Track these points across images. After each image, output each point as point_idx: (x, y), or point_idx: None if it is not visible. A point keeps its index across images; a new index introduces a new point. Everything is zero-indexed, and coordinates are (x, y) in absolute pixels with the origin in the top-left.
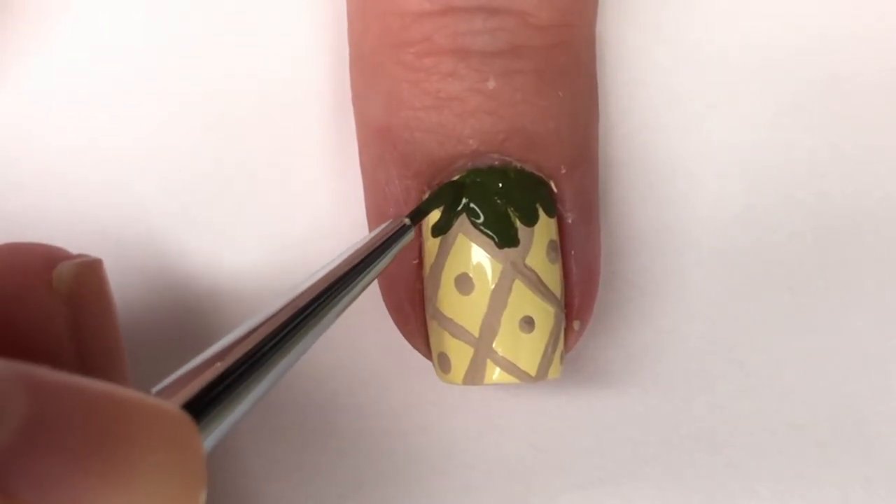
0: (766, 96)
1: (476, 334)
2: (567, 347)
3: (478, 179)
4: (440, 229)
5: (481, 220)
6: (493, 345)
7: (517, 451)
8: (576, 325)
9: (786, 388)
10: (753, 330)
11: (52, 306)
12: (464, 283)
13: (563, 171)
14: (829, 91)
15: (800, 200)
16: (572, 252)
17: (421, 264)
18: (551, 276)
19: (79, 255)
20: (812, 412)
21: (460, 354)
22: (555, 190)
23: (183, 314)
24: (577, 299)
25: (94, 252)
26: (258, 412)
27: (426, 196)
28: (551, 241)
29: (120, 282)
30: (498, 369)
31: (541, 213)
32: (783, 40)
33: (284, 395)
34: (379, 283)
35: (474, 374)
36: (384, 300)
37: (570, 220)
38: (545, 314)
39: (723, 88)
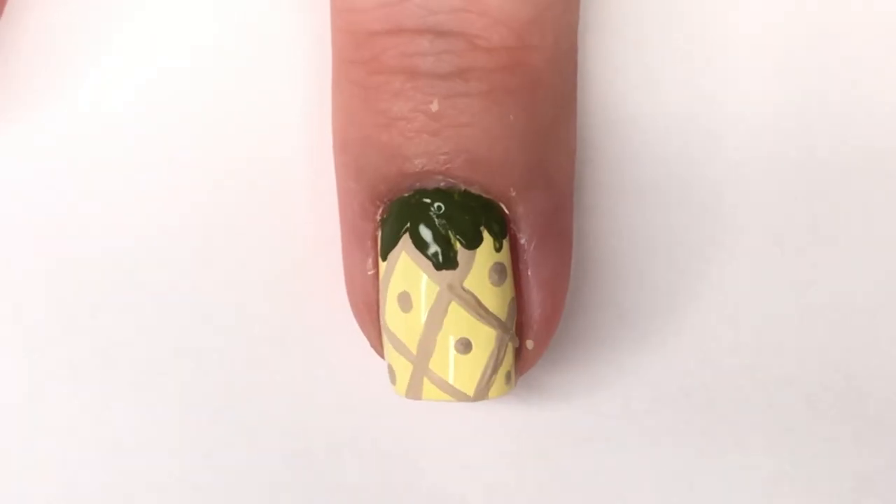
0: (759, 54)
1: (414, 352)
2: (520, 368)
3: (423, 200)
4: (386, 248)
5: (420, 241)
6: (429, 364)
7: (509, 412)
8: (529, 344)
9: (775, 343)
10: (743, 286)
11: None
12: (404, 301)
13: (513, 193)
14: (819, 48)
15: (790, 157)
16: (528, 273)
17: (377, 275)
18: (493, 298)
19: None
20: (801, 367)
21: (402, 369)
22: (506, 212)
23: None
24: (533, 319)
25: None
26: (254, 417)
27: (380, 212)
28: (496, 264)
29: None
30: (435, 388)
31: (486, 235)
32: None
33: (281, 398)
34: (346, 287)
35: (414, 390)
36: (349, 304)
37: (522, 242)
38: (485, 336)
39: (714, 46)
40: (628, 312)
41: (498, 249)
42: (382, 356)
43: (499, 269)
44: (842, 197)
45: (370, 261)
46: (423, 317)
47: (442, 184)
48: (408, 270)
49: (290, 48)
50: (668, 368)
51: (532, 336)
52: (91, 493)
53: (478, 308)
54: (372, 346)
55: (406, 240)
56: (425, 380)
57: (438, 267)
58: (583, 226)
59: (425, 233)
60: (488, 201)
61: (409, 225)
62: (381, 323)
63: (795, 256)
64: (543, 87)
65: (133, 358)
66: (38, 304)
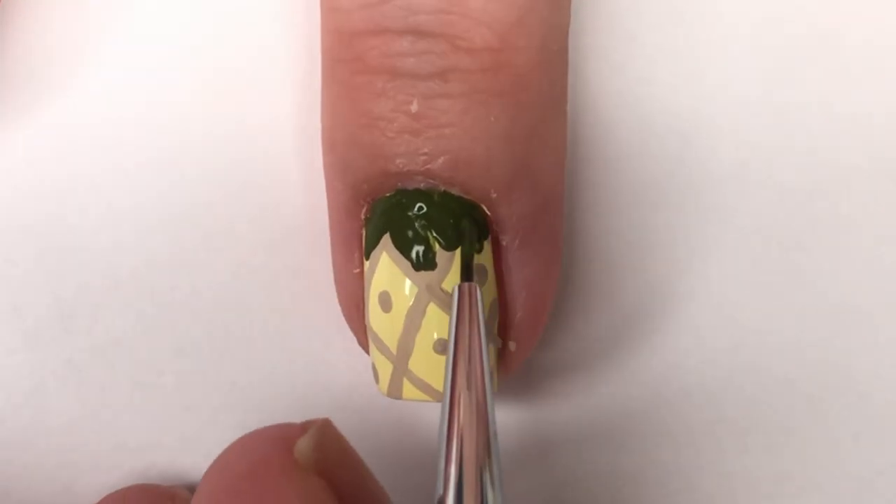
0: (757, 53)
1: (394, 352)
2: (505, 368)
3: (403, 200)
4: (369, 248)
5: (400, 241)
6: (409, 364)
7: (509, 412)
8: (511, 345)
9: (776, 343)
10: (744, 285)
11: (311, 484)
12: (385, 301)
13: (494, 194)
14: (818, 47)
15: (789, 157)
16: (511, 273)
17: (362, 274)
18: None
19: (306, 423)
20: (802, 367)
21: (383, 368)
22: (488, 213)
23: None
24: (516, 321)
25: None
26: (254, 417)
27: (364, 211)
28: (476, 265)
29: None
30: (414, 388)
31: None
32: None
33: (281, 398)
34: (335, 286)
35: (395, 389)
36: (339, 302)
37: (504, 243)
38: None
39: (713, 45)
40: (628, 312)
41: (478, 251)
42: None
43: (479, 271)
44: (842, 197)
45: (356, 259)
46: (403, 317)
47: (422, 184)
48: (388, 270)
49: (289, 48)
50: (668, 368)
51: (514, 337)
52: (91, 493)
53: None
54: (359, 344)
55: (386, 240)
56: (405, 380)
57: (417, 268)
58: (582, 226)
59: (405, 233)
60: (469, 202)
61: (389, 225)
62: (366, 322)
63: (794, 256)
64: (528, 89)
65: (133, 358)
66: (38, 304)
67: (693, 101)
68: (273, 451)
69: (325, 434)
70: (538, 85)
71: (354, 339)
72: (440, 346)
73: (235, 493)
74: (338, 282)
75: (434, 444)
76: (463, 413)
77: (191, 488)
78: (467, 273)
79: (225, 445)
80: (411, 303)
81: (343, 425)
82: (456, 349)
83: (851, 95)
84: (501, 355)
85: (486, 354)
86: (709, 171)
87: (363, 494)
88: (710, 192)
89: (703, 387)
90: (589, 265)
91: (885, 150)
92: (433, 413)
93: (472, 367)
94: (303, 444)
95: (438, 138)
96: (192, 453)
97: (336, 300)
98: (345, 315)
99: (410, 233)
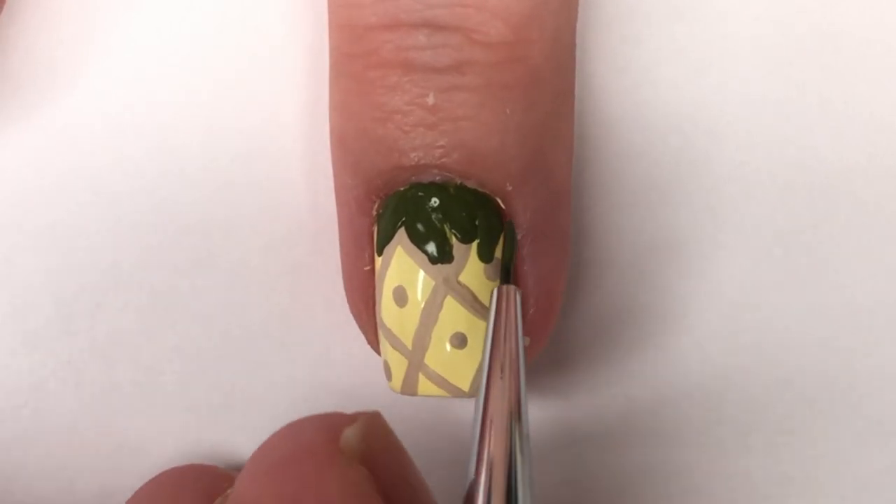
0: (759, 53)
1: (410, 347)
2: None
3: (419, 194)
4: (382, 243)
5: (416, 234)
6: (425, 359)
7: None
8: (525, 340)
9: (776, 343)
10: (744, 285)
11: (353, 472)
12: (400, 296)
13: (510, 187)
14: (819, 47)
15: (791, 157)
16: (525, 268)
17: (373, 271)
18: (489, 292)
19: (355, 414)
20: (802, 367)
21: (397, 364)
22: (503, 206)
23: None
24: (529, 314)
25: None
26: (254, 417)
27: (376, 207)
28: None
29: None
30: (430, 383)
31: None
32: None
33: (282, 398)
34: (343, 284)
35: (410, 385)
36: (347, 300)
37: (519, 236)
38: (480, 331)
39: (715, 45)
40: (628, 312)
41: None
42: (379, 353)
43: (494, 264)
44: (842, 197)
45: (367, 256)
46: (419, 311)
47: (438, 178)
48: (403, 265)
49: (289, 46)
50: (668, 368)
51: (527, 332)
52: (91, 493)
53: (473, 302)
54: (369, 342)
55: (402, 234)
56: (420, 375)
57: (434, 261)
58: (583, 225)
59: (421, 227)
60: (484, 195)
61: (404, 219)
62: (378, 318)
63: (796, 256)
64: (541, 82)
65: (133, 358)
66: (38, 304)
67: (695, 102)
68: (319, 438)
69: (373, 425)
70: (550, 78)
71: (355, 339)
72: (457, 340)
73: (278, 477)
74: (347, 279)
75: (434, 445)
76: (497, 412)
77: None
78: (507, 276)
79: (225, 446)
80: (428, 297)
81: None
82: (493, 351)
83: (851, 95)
84: None
85: (522, 356)
86: (710, 171)
87: (406, 488)
88: (711, 192)
89: (703, 387)
90: (590, 264)
91: (885, 149)
92: (433, 414)
93: (508, 370)
94: (350, 434)
95: (455, 131)
96: (191, 454)
97: (337, 299)
98: (353, 313)
99: (426, 226)
